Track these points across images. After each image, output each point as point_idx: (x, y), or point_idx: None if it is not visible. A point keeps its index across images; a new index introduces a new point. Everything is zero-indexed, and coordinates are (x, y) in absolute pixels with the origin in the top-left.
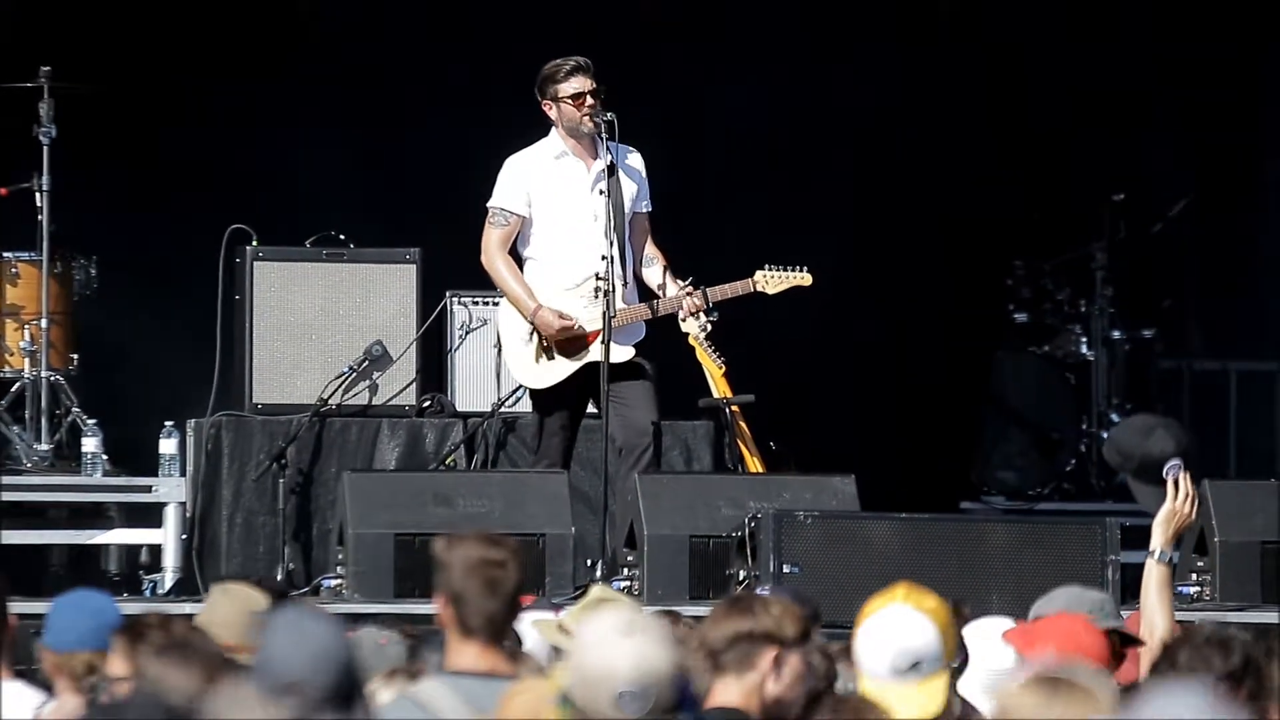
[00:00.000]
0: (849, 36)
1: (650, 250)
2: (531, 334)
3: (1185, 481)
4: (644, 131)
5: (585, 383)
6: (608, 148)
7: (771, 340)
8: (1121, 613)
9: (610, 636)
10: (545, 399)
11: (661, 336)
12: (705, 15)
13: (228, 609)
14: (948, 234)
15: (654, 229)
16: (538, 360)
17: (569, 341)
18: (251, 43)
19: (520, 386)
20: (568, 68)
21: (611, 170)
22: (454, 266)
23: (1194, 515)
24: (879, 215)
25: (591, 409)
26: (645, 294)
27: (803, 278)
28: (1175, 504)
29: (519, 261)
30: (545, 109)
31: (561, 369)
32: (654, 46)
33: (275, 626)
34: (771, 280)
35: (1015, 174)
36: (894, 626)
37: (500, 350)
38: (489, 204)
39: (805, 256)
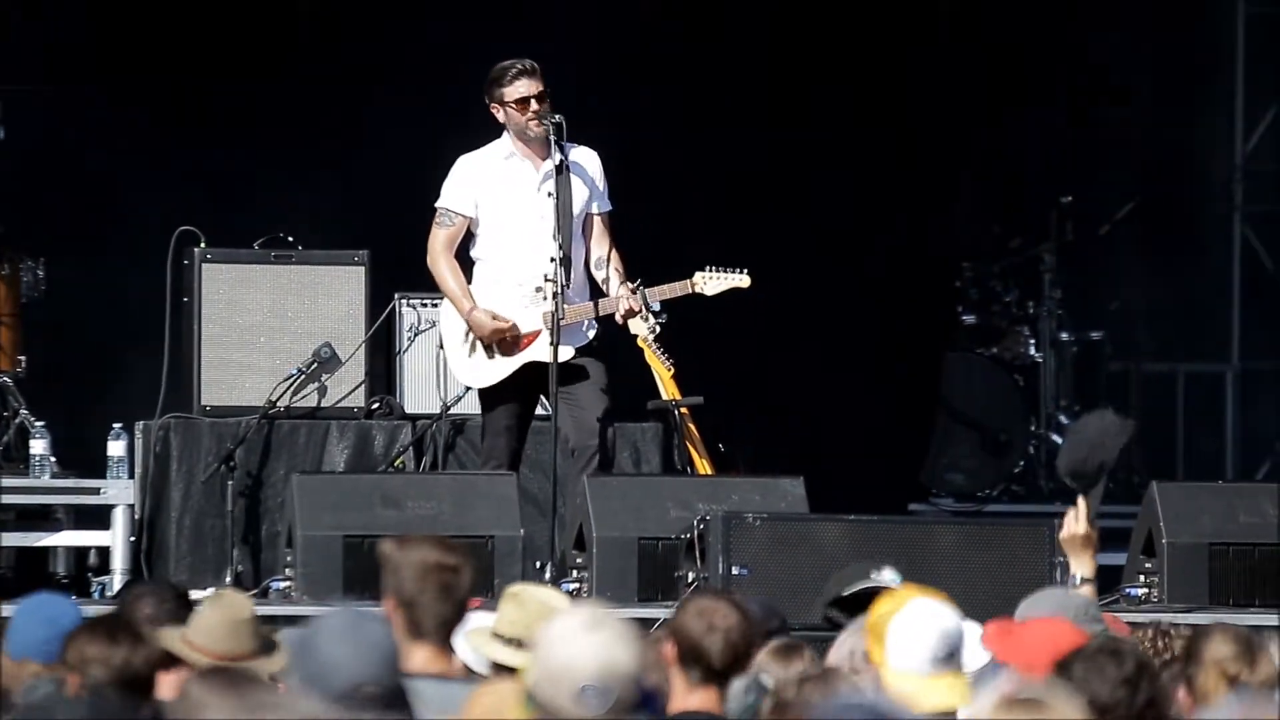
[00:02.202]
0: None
1: (603, 251)
2: (468, 333)
3: (1081, 502)
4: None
5: (531, 382)
6: (560, 147)
7: (720, 342)
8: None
9: (575, 632)
10: (489, 398)
11: (610, 338)
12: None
13: (216, 617)
14: (896, 235)
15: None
16: (476, 359)
17: (507, 341)
18: (206, 41)
19: (468, 389)
20: (513, 71)
21: (560, 170)
22: (402, 269)
23: (1094, 529)
24: (826, 214)
25: (542, 410)
26: (597, 293)
27: (741, 280)
28: (1075, 527)
29: (468, 263)
30: (493, 112)
31: (501, 368)
32: (621, 41)
33: (329, 629)
34: (711, 281)
35: (963, 173)
36: (929, 618)
37: (443, 349)
38: (436, 204)
39: (751, 256)
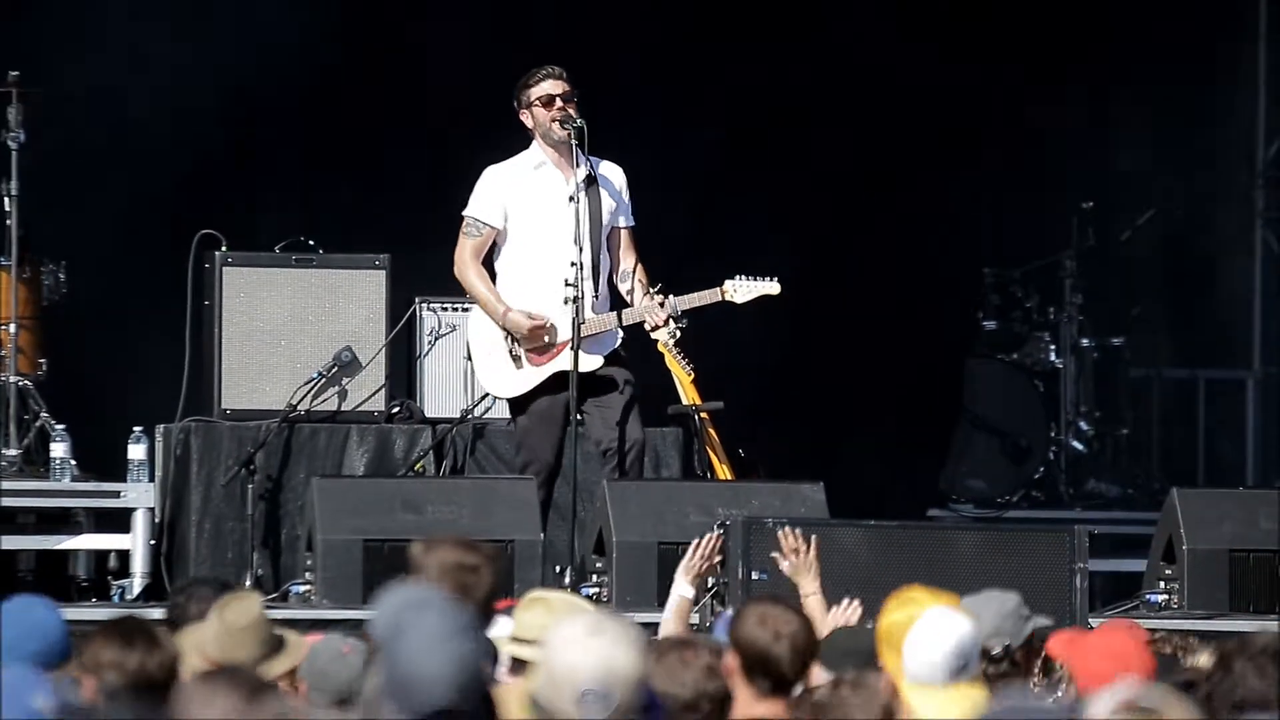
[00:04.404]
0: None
1: (628, 264)
2: (501, 341)
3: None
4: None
5: (560, 391)
6: (586, 160)
7: (741, 347)
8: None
9: (577, 636)
10: (522, 405)
11: (630, 343)
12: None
13: (215, 626)
14: (918, 241)
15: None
16: (504, 368)
17: (537, 350)
18: None
19: (488, 394)
20: (540, 74)
21: (590, 181)
22: (423, 273)
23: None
24: (848, 222)
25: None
26: (620, 305)
27: (771, 287)
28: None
29: (492, 272)
30: (522, 118)
31: (530, 377)
32: (642, 46)
33: (416, 639)
34: (740, 289)
35: (984, 180)
36: (945, 628)
37: (470, 359)
38: (464, 213)
39: (774, 262)
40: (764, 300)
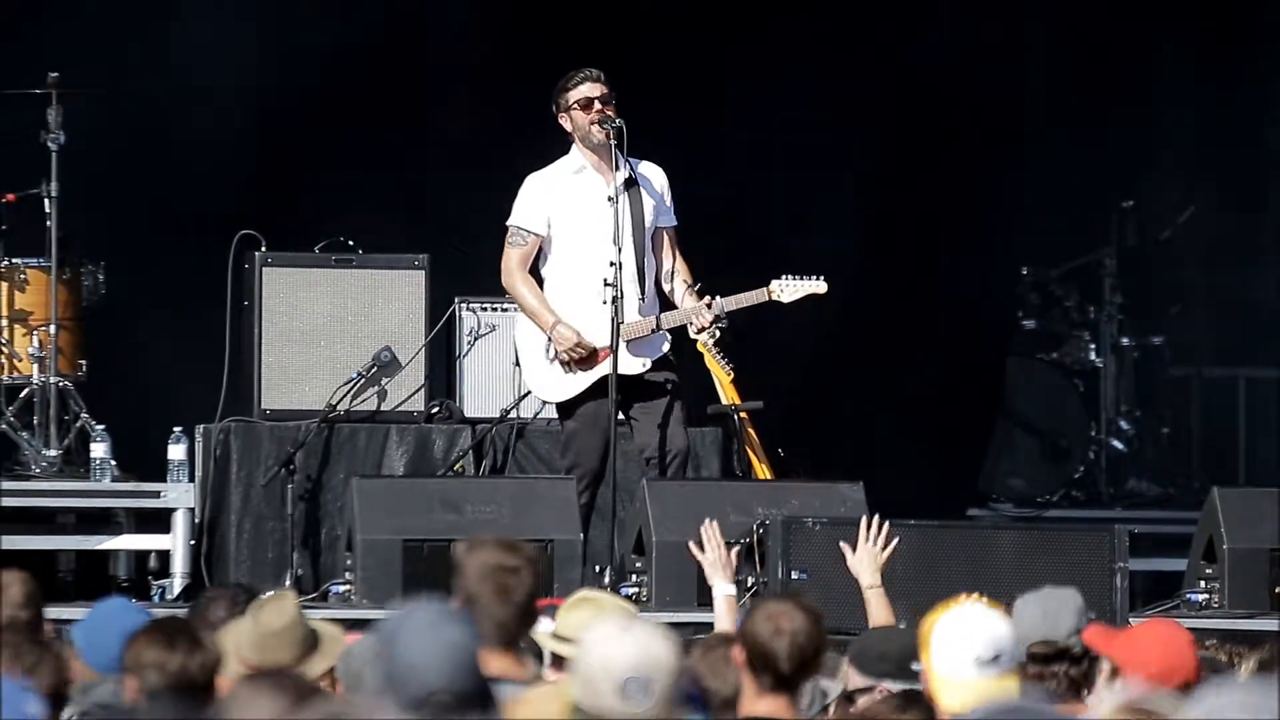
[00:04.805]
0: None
1: (670, 264)
2: (548, 348)
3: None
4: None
5: (606, 396)
6: (626, 161)
7: (780, 346)
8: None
9: (609, 633)
10: (569, 409)
11: (678, 345)
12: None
13: (249, 628)
14: (956, 241)
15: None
16: (554, 373)
17: (584, 358)
18: None
19: (528, 392)
20: (578, 76)
21: (630, 183)
22: (462, 273)
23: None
24: (887, 221)
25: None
26: (667, 307)
27: (818, 286)
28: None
29: (539, 279)
30: (560, 122)
31: (578, 382)
32: (678, 50)
33: (410, 630)
34: (788, 289)
35: (1024, 179)
36: (974, 621)
37: (519, 365)
38: (508, 223)
39: (814, 263)
40: (810, 298)
